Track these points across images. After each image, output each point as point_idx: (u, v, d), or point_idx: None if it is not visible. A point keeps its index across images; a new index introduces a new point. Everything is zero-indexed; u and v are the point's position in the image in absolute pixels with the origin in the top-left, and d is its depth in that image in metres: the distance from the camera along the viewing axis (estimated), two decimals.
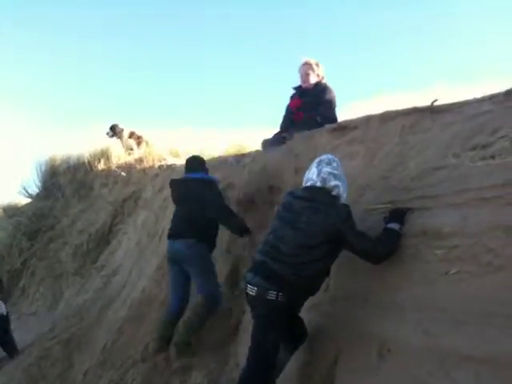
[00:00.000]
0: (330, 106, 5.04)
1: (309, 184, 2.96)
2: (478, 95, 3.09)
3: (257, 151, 5.41)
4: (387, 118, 3.57)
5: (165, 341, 4.06)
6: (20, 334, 6.65)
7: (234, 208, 4.63)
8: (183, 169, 6.38)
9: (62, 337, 5.37)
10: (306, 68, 5.18)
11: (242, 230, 4.33)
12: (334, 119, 4.85)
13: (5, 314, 5.87)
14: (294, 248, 2.72)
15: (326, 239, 2.70)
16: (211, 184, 4.46)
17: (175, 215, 4.40)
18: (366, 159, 3.50)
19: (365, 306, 2.75)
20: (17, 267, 8.44)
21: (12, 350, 5.79)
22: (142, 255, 5.66)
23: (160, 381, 3.79)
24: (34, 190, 9.77)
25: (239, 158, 5.49)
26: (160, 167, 7.15)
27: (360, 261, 2.85)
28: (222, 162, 5.79)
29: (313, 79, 5.15)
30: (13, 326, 7.21)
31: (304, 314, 3.14)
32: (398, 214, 2.77)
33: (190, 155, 5.00)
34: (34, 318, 6.98)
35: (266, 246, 2.83)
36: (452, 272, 2.34)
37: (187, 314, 4.12)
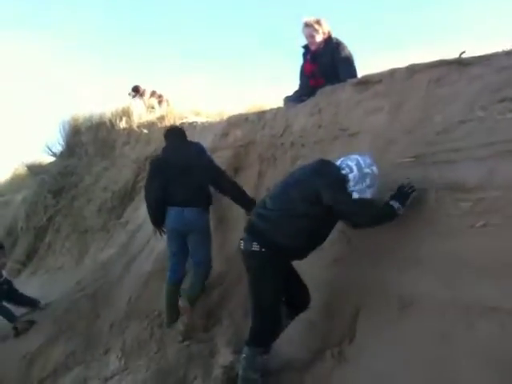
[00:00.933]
0: (349, 63, 4.77)
1: None
2: (507, 47, 2.99)
3: (278, 108, 5.33)
4: (413, 71, 3.48)
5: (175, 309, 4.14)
6: (48, 288, 6.88)
7: (255, 167, 4.68)
8: (204, 127, 6.40)
9: (89, 290, 5.53)
10: (309, 31, 4.81)
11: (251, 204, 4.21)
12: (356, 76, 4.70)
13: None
14: (276, 203, 2.79)
15: (306, 198, 2.70)
16: (205, 152, 4.56)
17: (178, 183, 4.27)
18: (391, 114, 3.44)
19: (387, 260, 2.78)
20: (43, 224, 8.63)
21: (29, 302, 5.85)
22: None
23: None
24: (58, 148, 9.88)
25: (260, 115, 5.39)
26: (182, 125, 7.13)
27: None
28: (242, 119, 5.74)
29: (319, 38, 4.83)
30: (40, 280, 7.48)
31: (324, 268, 3.18)
32: (403, 195, 2.72)
33: (169, 126, 5.18)
34: (61, 273, 7.18)
35: (258, 204, 2.95)
36: (478, 225, 2.33)
37: (190, 280, 4.21)
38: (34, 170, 9.68)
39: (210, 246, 4.30)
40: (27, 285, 7.26)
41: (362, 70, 4.73)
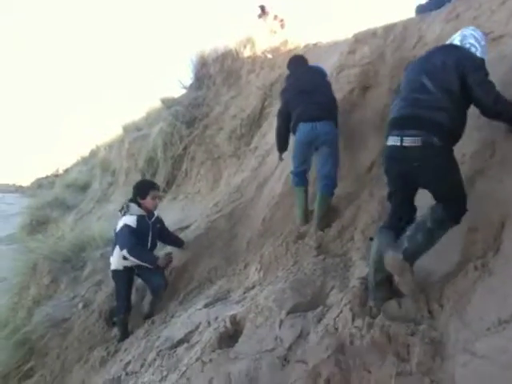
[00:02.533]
0: None
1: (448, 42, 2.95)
2: None
3: (409, 19, 4.97)
4: None
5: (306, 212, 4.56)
6: (187, 211, 7.44)
7: (384, 85, 4.51)
8: (329, 46, 6.21)
9: (225, 211, 5.87)
10: None
11: None
12: None
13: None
14: (434, 93, 2.62)
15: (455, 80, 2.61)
16: (326, 75, 4.92)
17: (307, 101, 4.43)
18: None
19: None
20: (179, 153, 9.20)
21: (176, 241, 5.81)
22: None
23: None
24: (188, 81, 10.32)
25: (389, 28, 5.06)
26: (305, 47, 7.01)
27: None
28: (369, 34, 5.46)
29: None
30: (180, 204, 8.09)
31: (466, 181, 3.03)
32: None
33: (291, 56, 5.30)
34: (199, 197, 7.70)
35: (403, 102, 2.74)
36: None
37: (317, 198, 4.39)
38: (168, 102, 10.23)
39: (338, 161, 4.42)
40: (169, 209, 7.90)
41: None
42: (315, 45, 6.75)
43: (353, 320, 2.52)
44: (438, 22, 4.27)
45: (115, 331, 5.10)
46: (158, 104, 11.53)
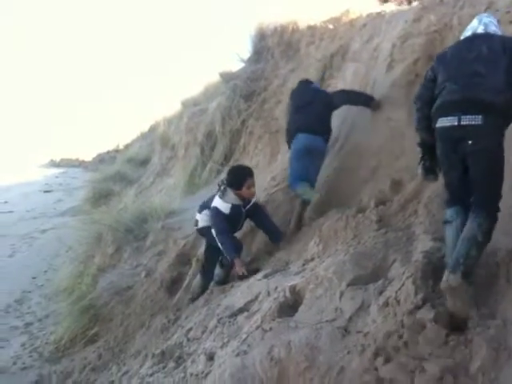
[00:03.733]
0: None
1: (469, 33, 2.94)
2: None
3: None
4: None
5: None
6: None
7: None
8: (393, 14, 5.99)
9: (283, 184, 5.84)
10: None
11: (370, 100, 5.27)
12: None
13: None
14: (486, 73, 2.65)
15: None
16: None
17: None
18: None
19: None
20: (237, 127, 9.25)
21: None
22: (353, 107, 5.64)
23: None
24: (246, 54, 10.28)
25: None
26: (368, 16, 6.79)
27: None
28: (436, 1, 5.23)
29: None
30: None
31: None
32: None
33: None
34: (257, 170, 7.69)
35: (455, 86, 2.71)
36: None
37: None
38: (226, 77, 10.25)
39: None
40: None
41: None
42: (378, 13, 6.51)
43: (416, 294, 2.48)
44: None
45: (196, 285, 5.24)
46: (216, 78, 11.60)
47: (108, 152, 30.00)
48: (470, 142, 2.58)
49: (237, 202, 4.86)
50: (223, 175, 8.66)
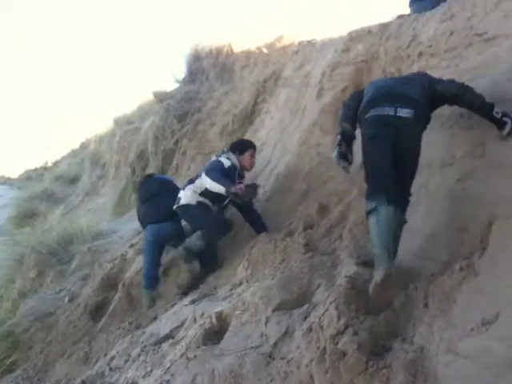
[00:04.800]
0: None
1: None
2: None
3: (404, 18, 4.96)
4: None
5: None
6: None
7: None
8: (324, 43, 6.19)
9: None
10: None
11: None
12: None
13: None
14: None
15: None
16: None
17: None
18: None
19: None
20: (170, 147, 9.13)
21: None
22: (284, 132, 5.78)
23: None
24: (181, 75, 10.26)
25: (384, 27, 5.04)
26: (300, 43, 6.99)
27: None
28: (364, 32, 5.45)
29: None
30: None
31: (455, 181, 3.04)
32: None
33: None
34: None
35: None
36: None
37: None
38: (160, 96, 10.15)
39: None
40: None
41: None
42: (310, 41, 6.72)
43: (338, 319, 2.51)
44: (433, 21, 4.26)
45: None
46: (150, 97, 11.46)
47: (35, 169, 28.70)
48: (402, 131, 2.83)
49: (237, 164, 4.89)
50: None
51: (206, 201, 4.77)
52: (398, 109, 2.82)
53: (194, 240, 4.69)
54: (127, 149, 10.35)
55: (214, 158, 4.99)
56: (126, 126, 11.90)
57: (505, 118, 2.81)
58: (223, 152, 5.00)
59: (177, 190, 5.21)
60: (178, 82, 10.30)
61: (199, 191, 4.76)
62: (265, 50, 7.84)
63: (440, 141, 3.37)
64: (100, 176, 12.86)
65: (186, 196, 4.83)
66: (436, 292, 2.47)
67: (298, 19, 8.04)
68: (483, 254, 2.46)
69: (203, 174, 4.65)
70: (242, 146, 5.05)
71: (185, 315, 3.66)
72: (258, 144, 6.34)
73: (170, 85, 10.70)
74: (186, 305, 3.86)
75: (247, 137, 7.16)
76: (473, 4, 3.85)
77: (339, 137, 3.22)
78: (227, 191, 4.36)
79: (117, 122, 13.61)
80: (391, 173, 2.78)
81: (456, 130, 3.28)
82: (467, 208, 2.84)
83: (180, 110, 9.11)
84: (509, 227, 2.46)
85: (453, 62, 3.69)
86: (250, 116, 7.43)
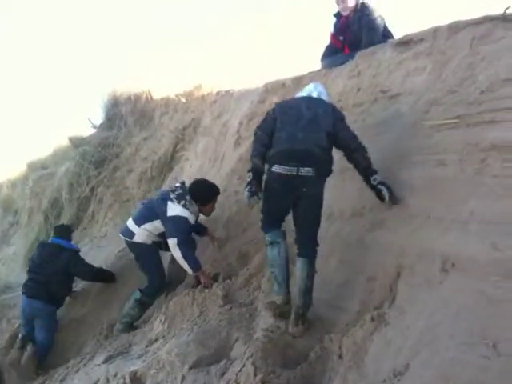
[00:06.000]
0: (371, 28, 4.59)
1: (305, 94, 3.44)
2: None
3: (316, 71, 5.22)
4: (456, 28, 3.36)
5: None
6: (92, 256, 7.10)
7: None
8: (241, 94, 6.36)
9: (131, 257, 5.68)
10: None
11: None
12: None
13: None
14: (316, 133, 3.11)
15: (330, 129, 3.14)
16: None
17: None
18: (433, 73, 3.34)
19: (428, 222, 2.73)
20: (86, 194, 8.80)
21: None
22: None
23: None
24: (98, 120, 10.04)
25: (297, 80, 5.28)
26: (218, 93, 7.12)
27: (422, 178, 2.87)
28: (279, 85, 5.66)
29: (351, 3, 4.68)
30: (86, 248, 7.70)
31: (365, 232, 3.16)
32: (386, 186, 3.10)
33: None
34: (105, 241, 7.39)
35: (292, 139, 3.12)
36: None
37: None
38: (76, 142, 9.86)
39: (51, 335, 5.04)
40: None
41: (404, 29, 4.59)
42: (227, 92, 6.87)
43: (255, 375, 2.48)
44: (341, 77, 4.52)
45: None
46: (65, 142, 11.09)
47: None
48: (304, 189, 3.05)
49: (197, 215, 4.62)
50: None
51: (162, 239, 4.58)
52: (301, 168, 3.02)
53: (130, 310, 4.62)
54: (41, 195, 9.86)
55: (175, 207, 4.43)
56: (39, 171, 11.40)
57: (379, 186, 3.09)
58: (186, 200, 4.47)
59: (71, 260, 5.19)
60: (95, 127, 10.05)
61: (156, 233, 4.54)
62: (183, 100, 7.90)
63: (351, 192, 3.52)
64: (12, 223, 12.13)
65: (141, 234, 4.57)
66: (349, 343, 2.52)
67: (216, 69, 8.20)
68: (393, 303, 2.56)
69: (174, 239, 4.30)
70: (207, 198, 4.62)
71: (97, 375, 3.46)
72: None
73: (86, 130, 10.40)
74: (99, 364, 3.65)
75: (167, 183, 7.10)
76: (378, 62, 4.14)
77: (250, 174, 3.36)
78: (193, 271, 4.32)
79: (30, 166, 12.99)
80: (283, 215, 3.26)
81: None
82: (377, 257, 2.96)
83: (97, 156, 8.87)
84: (415, 277, 2.58)
85: (360, 116, 3.90)
86: (169, 163, 7.39)
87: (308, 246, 3.09)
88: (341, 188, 3.64)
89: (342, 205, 3.51)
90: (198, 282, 4.33)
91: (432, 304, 2.36)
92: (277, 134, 3.19)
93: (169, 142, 7.56)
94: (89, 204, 8.64)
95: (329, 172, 3.20)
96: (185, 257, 4.26)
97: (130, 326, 4.55)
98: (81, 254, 5.66)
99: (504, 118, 2.60)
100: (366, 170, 3.16)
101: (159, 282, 4.61)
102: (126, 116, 9.33)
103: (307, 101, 3.34)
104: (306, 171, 3.02)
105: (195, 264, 4.31)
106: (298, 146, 3.07)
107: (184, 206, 4.41)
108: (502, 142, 2.51)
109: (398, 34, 4.56)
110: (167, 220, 4.39)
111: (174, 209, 4.39)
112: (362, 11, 4.68)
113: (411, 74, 3.63)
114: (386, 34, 4.68)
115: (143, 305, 4.61)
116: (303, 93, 3.49)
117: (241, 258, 4.46)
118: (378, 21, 4.68)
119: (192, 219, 4.46)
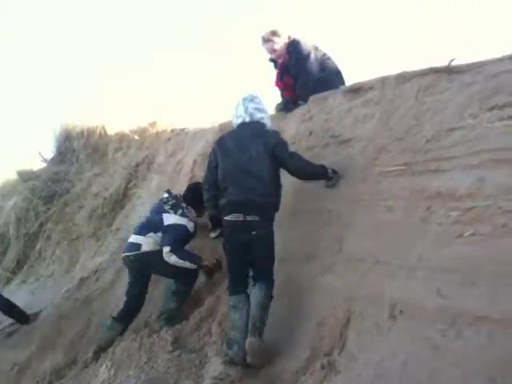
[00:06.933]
0: (303, 63, 4.63)
1: (239, 121, 3.57)
2: (496, 55, 3.01)
3: (271, 116, 5.30)
4: (403, 78, 3.50)
5: None
6: (38, 296, 6.82)
7: None
8: (196, 133, 6.37)
9: (80, 296, 5.48)
10: (268, 46, 4.75)
11: None
12: (317, 78, 4.62)
13: None
14: (257, 177, 3.30)
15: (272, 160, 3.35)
16: None
17: None
18: (382, 121, 3.44)
19: (377, 267, 2.77)
20: (33, 231, 8.51)
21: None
22: None
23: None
24: (49, 154, 9.79)
25: None
26: (172, 131, 7.11)
27: (371, 223, 2.91)
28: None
29: (278, 45, 4.71)
30: (30, 288, 7.39)
31: (314, 277, 3.17)
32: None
33: None
34: (51, 280, 7.10)
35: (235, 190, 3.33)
36: (466, 234, 2.33)
37: None
38: (25, 176, 9.57)
39: None
40: (17, 293, 7.19)
41: (354, 76, 4.71)
42: (182, 130, 6.87)
43: None
44: (294, 121, 4.60)
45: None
46: (13, 176, 10.73)
47: None
48: (253, 232, 3.26)
49: (195, 220, 4.54)
50: (14, 285, 7.80)
51: None
52: (247, 216, 3.27)
53: (168, 304, 4.38)
54: None
55: (166, 208, 4.47)
56: None
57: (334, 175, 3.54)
58: (183, 207, 4.46)
59: None
60: (45, 161, 9.79)
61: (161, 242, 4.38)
62: (136, 137, 7.83)
63: (303, 235, 3.54)
64: None
65: (148, 243, 4.42)
66: None
67: (171, 107, 8.18)
68: (342, 350, 2.55)
69: (167, 247, 4.22)
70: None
71: None
72: (130, 229, 6.17)
73: (36, 164, 10.11)
74: None
75: (118, 221, 6.95)
76: (329, 108, 4.24)
77: (210, 223, 3.67)
78: (198, 266, 4.31)
79: None
80: (245, 272, 3.39)
81: (317, 225, 3.48)
82: (327, 302, 2.96)
83: (46, 191, 8.62)
84: (365, 323, 2.59)
85: (312, 160, 3.95)
86: (120, 200, 7.24)
87: (264, 277, 3.25)
88: (293, 231, 3.66)
89: (295, 248, 3.52)
90: (209, 269, 4.38)
91: (381, 351, 2.37)
92: (220, 178, 3.45)
93: (121, 179, 7.43)
94: (36, 240, 8.35)
95: (275, 210, 3.45)
96: (183, 258, 4.24)
97: (172, 319, 4.25)
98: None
99: (448, 167, 2.69)
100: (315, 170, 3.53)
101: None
102: (79, 150, 9.15)
103: (242, 131, 3.53)
104: (251, 217, 3.27)
105: (195, 259, 4.32)
106: (240, 198, 3.29)
107: (182, 214, 4.44)
108: (446, 190, 2.59)
109: (348, 80, 4.72)
110: (164, 230, 4.39)
111: (171, 219, 4.42)
112: (296, 50, 4.68)
113: (361, 120, 3.72)
114: (324, 66, 4.74)
115: (181, 294, 4.39)
116: (237, 119, 3.63)
117: (192, 300, 4.37)
118: (311, 59, 4.69)
119: (192, 227, 4.45)
